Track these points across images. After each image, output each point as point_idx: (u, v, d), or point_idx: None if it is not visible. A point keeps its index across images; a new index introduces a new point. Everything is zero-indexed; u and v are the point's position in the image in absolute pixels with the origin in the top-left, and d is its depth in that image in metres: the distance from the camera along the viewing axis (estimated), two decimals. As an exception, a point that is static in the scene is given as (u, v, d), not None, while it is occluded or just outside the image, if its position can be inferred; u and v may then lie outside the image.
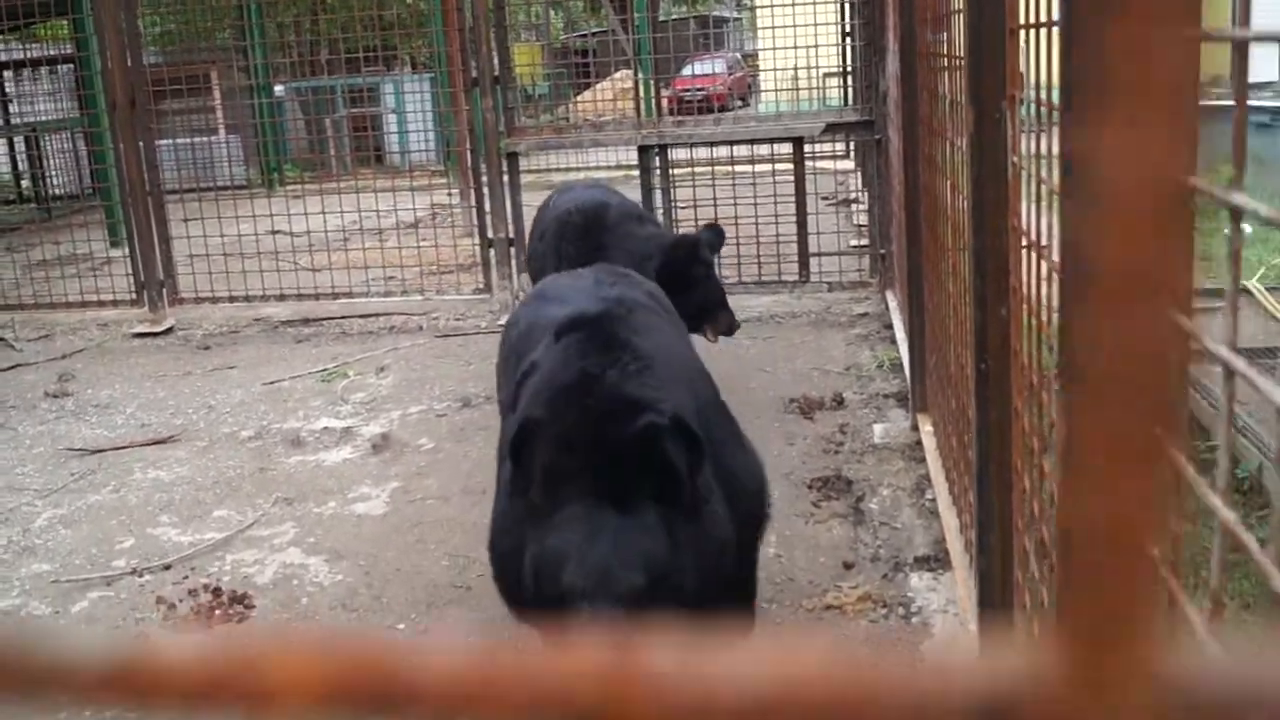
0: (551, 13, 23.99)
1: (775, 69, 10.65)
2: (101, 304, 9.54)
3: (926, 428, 5.52)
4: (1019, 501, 2.83)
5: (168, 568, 4.97)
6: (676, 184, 8.71)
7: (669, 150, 8.61)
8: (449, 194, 12.06)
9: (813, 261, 8.44)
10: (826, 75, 12.34)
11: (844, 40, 11.45)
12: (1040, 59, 2.35)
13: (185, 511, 5.59)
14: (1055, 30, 2.21)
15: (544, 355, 3.32)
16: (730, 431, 3.58)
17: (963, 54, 3.13)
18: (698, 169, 8.87)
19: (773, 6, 10.31)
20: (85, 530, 5.45)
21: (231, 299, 9.25)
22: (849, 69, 11.50)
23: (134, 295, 9.41)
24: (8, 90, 16.14)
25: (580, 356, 3.19)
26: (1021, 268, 2.62)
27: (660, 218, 8.65)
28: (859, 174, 11.62)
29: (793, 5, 9.22)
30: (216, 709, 0.25)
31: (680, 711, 0.33)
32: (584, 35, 24.51)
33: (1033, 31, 2.37)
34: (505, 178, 8.85)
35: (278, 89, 16.61)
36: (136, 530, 5.41)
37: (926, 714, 0.28)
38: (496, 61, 8.65)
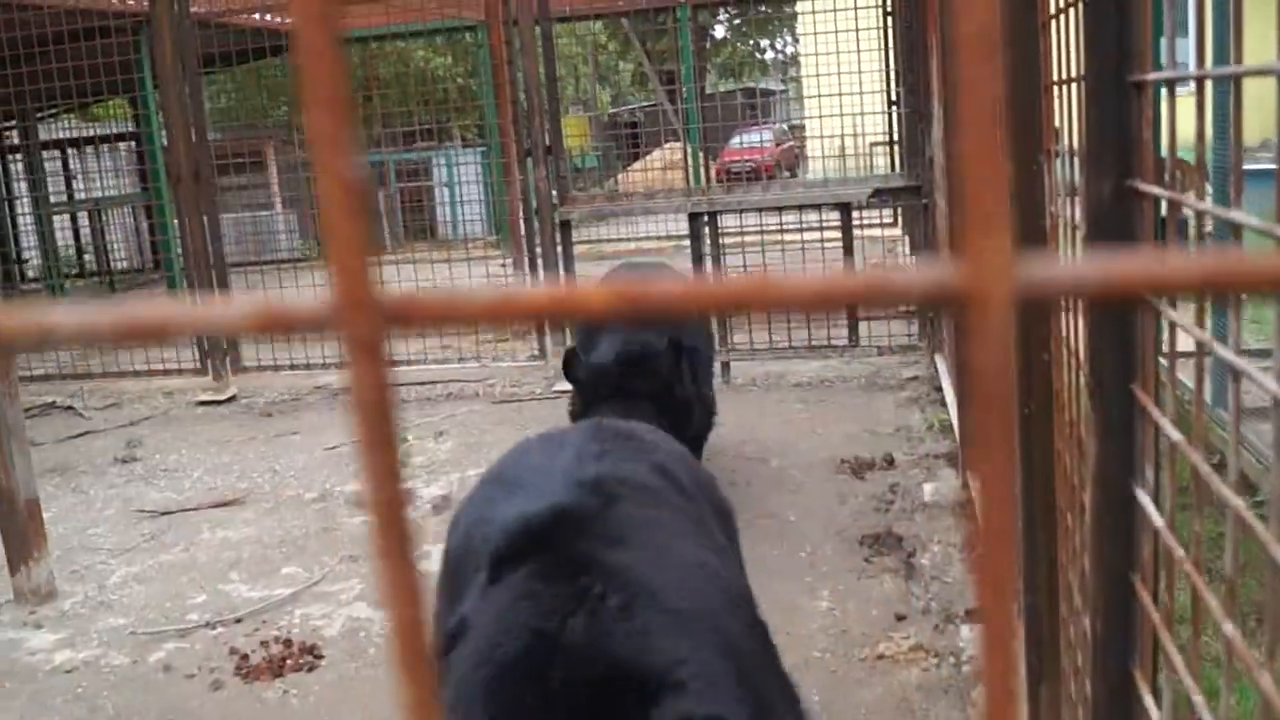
0: (599, 86, 24.42)
1: (822, 136, 10.86)
2: (167, 373, 9.82)
3: (976, 485, 5.61)
4: (1063, 539, 2.93)
5: (239, 620, 5.12)
6: (726, 252, 8.89)
7: (719, 218, 8.80)
8: (502, 264, 12.32)
9: (862, 326, 8.57)
10: (873, 144, 12.55)
11: (890, 108, 11.66)
12: (1072, 113, 2.48)
13: (254, 569, 5.75)
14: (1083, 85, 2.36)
15: (477, 607, 2.15)
16: (780, 688, 2.34)
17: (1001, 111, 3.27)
18: (747, 238, 9.05)
19: (819, 77, 10.54)
20: (158, 587, 5.62)
21: (293, 367, 9.49)
22: (895, 138, 11.69)
23: (198, 364, 9.68)
24: (71, 167, 16.64)
25: (531, 607, 2.04)
26: (1060, 313, 2.75)
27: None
28: (907, 240, 11.78)
29: (838, 75, 9.44)
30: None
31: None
32: (632, 109, 24.92)
33: (1066, 87, 2.51)
34: (559, 246, 9.07)
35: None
36: (208, 586, 5.58)
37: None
38: (548, 132, 8.90)
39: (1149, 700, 1.80)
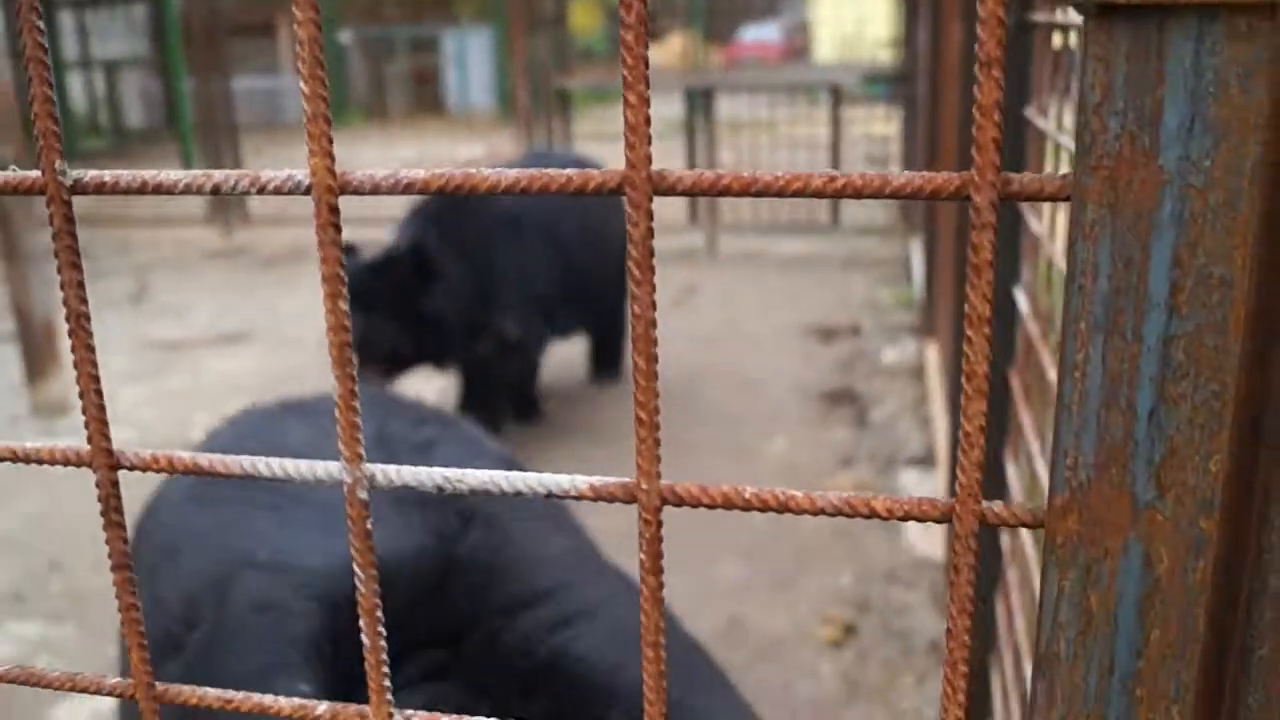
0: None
1: (828, 36, 11.07)
2: (175, 223, 10.18)
3: (931, 352, 6.00)
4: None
5: (239, 436, 5.53)
6: (720, 141, 9.18)
7: (715, 104, 9.08)
8: (505, 137, 12.61)
9: (843, 207, 8.90)
10: (877, 42, 12.74)
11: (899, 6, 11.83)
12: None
13: (255, 395, 6.13)
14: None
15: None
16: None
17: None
18: (742, 126, 9.34)
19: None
20: (164, 408, 6.04)
21: (296, 223, 9.86)
22: (898, 36, 11.88)
23: (207, 216, 10.03)
24: (87, 24, 16.81)
25: None
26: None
27: (703, 166, 9.12)
28: (902, 135, 12.02)
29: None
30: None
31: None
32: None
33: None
34: (558, 121, 9.36)
35: (343, 35, 17.20)
36: (210, 409, 5.99)
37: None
38: (554, 4, 9.16)
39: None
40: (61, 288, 0.63)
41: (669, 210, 9.75)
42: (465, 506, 1.63)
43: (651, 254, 0.52)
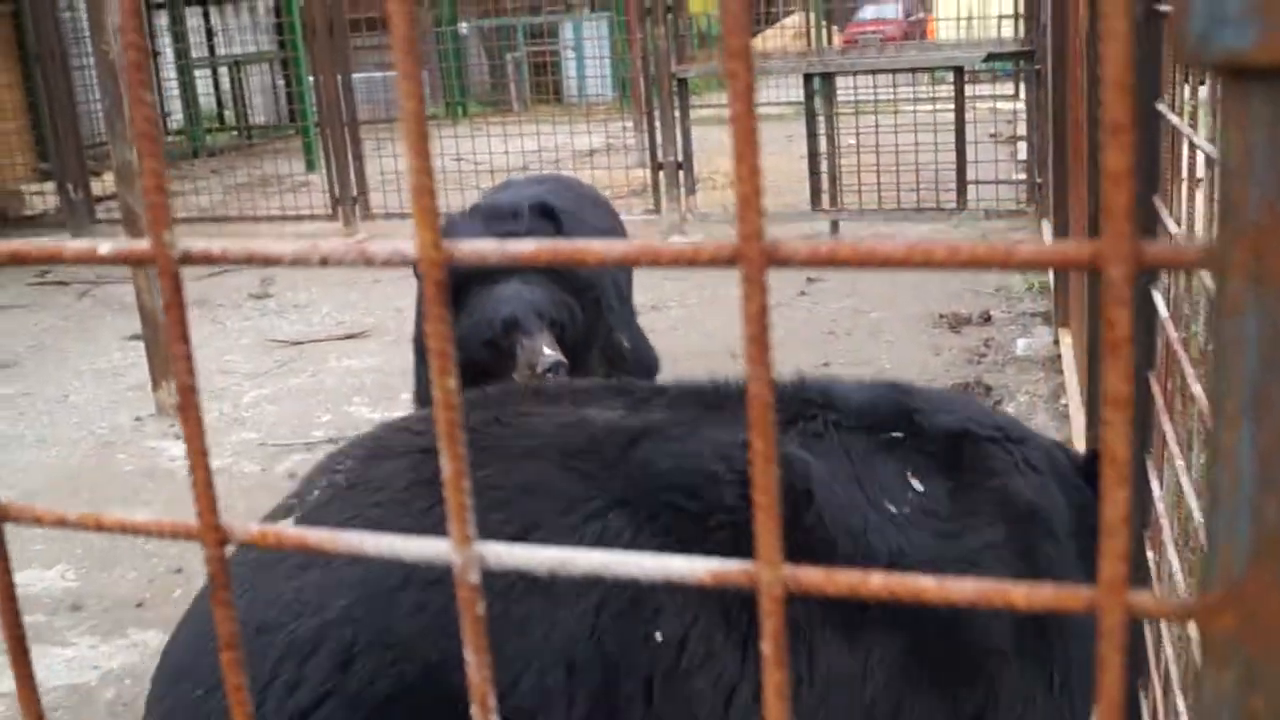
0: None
1: (948, 18, 10.76)
2: (299, 218, 10.30)
3: (1067, 340, 5.75)
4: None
5: (360, 437, 5.54)
6: (841, 120, 8.98)
7: (835, 84, 8.87)
8: (624, 127, 12.53)
9: (971, 191, 8.63)
10: (1001, 17, 12.37)
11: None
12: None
13: (376, 394, 6.17)
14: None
15: None
16: None
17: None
18: (862, 103, 9.11)
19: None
20: (287, 406, 6.07)
21: (417, 217, 9.90)
22: (1020, 12, 11.53)
23: (330, 211, 10.13)
24: (213, 23, 17.17)
25: None
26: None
27: (825, 153, 8.93)
28: (1027, 113, 11.66)
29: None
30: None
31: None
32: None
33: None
34: (676, 107, 9.24)
35: (462, 26, 17.29)
36: (333, 408, 6.01)
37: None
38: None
39: (1156, 485, 1.88)
40: (171, 360, 0.63)
41: (791, 196, 9.57)
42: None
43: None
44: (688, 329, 6.83)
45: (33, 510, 0.66)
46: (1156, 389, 1.85)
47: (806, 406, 2.12)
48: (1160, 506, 1.78)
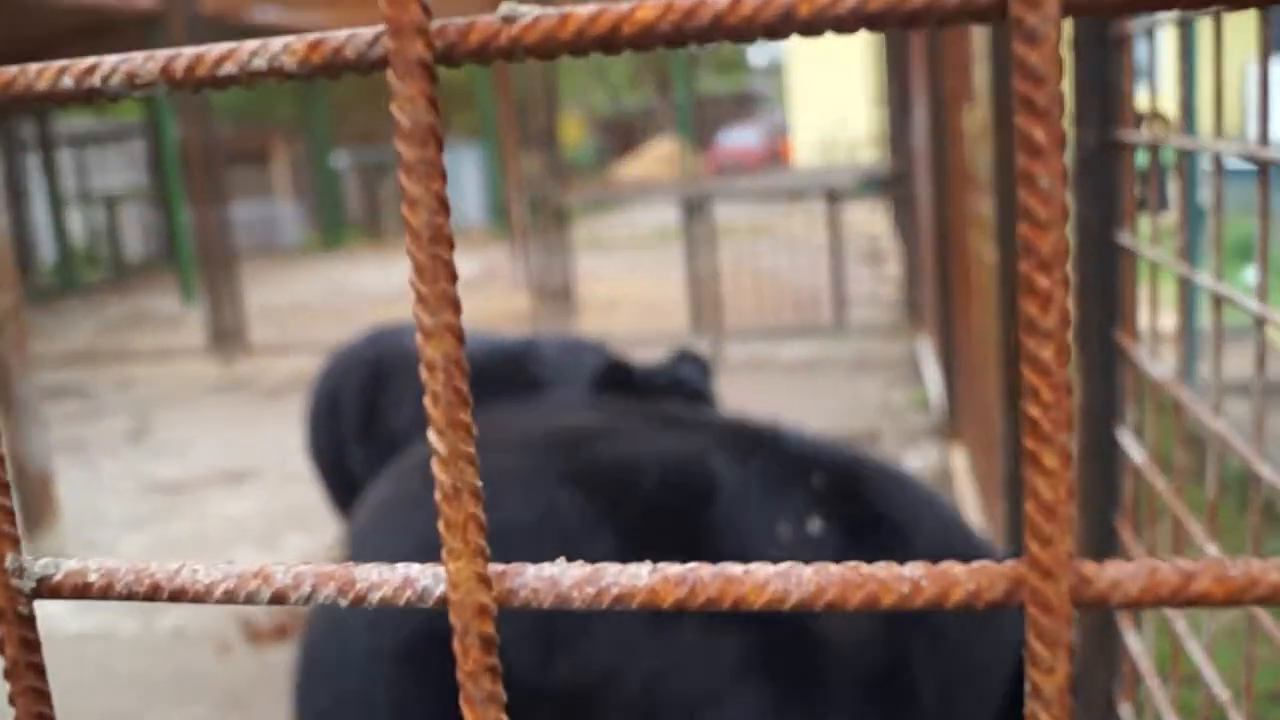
0: (594, 83, 24.71)
1: (807, 139, 11.12)
2: (176, 356, 10.10)
3: (958, 457, 5.86)
4: None
5: (248, 584, 5.37)
6: (719, 240, 9.16)
7: (712, 208, 9.06)
8: (499, 251, 12.61)
9: (848, 311, 8.83)
10: (860, 142, 12.83)
11: (879, 107, 11.94)
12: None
13: (261, 540, 6.01)
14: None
15: None
16: None
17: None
18: (737, 229, 9.32)
19: (806, 75, 10.81)
20: (168, 557, 5.88)
21: (299, 350, 9.78)
22: (880, 133, 11.96)
23: (207, 348, 9.96)
24: (86, 159, 16.94)
25: None
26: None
27: (704, 274, 9.08)
28: (895, 233, 12.05)
29: (824, 63, 9.69)
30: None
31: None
32: (624, 110, 25.13)
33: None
34: (555, 234, 9.34)
35: (337, 158, 17.33)
36: (216, 557, 5.83)
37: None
38: (547, 122, 9.19)
39: (1130, 637, 1.85)
40: None
41: (672, 317, 9.68)
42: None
43: (1069, 714, 0.35)
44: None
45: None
46: (1126, 536, 1.85)
47: (757, 436, 2.35)
48: (1141, 664, 1.77)
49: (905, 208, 8.72)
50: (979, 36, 3.63)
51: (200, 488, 6.90)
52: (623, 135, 19.88)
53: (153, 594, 0.44)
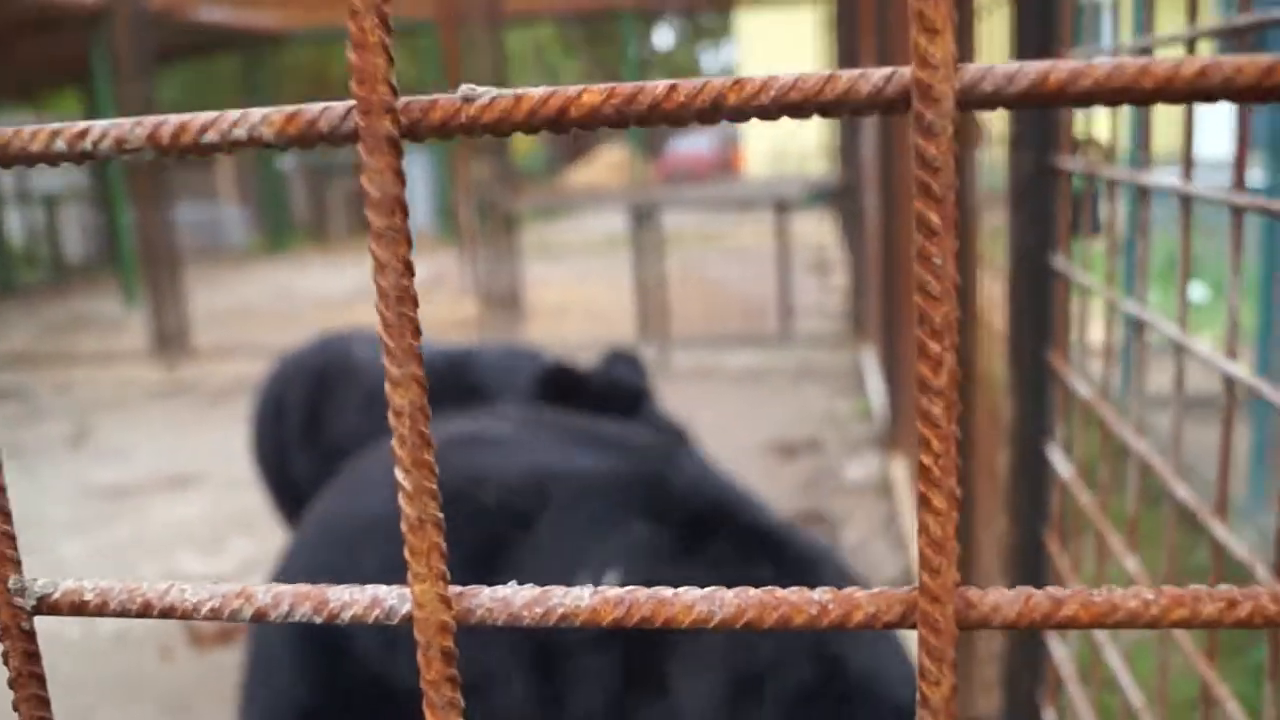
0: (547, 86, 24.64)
1: (759, 143, 11.20)
2: (118, 359, 10.00)
3: (897, 467, 5.94)
4: (983, 513, 3.11)
5: (190, 591, 5.34)
6: (667, 248, 9.21)
7: (660, 216, 9.11)
8: (447, 257, 12.58)
9: (793, 321, 8.91)
10: (811, 153, 12.93)
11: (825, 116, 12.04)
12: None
13: (204, 544, 5.97)
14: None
15: None
16: None
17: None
18: (686, 237, 9.37)
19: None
20: (109, 561, 5.82)
21: (244, 355, 9.71)
22: (830, 145, 12.07)
23: (150, 351, 9.87)
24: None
25: None
26: (981, 293, 2.93)
27: (651, 281, 9.11)
28: (843, 244, 12.15)
29: (778, 70, 9.79)
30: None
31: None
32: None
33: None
34: (504, 240, 9.35)
35: (284, 161, 17.22)
36: (159, 561, 5.79)
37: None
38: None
39: (1055, 643, 1.89)
40: None
41: (619, 324, 9.72)
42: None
43: None
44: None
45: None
46: (1053, 549, 1.90)
47: (649, 473, 2.29)
48: (1064, 669, 1.82)
49: (853, 219, 8.81)
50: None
51: (143, 492, 6.84)
52: (573, 142, 19.90)
53: (145, 611, 0.47)
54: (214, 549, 5.85)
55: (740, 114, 0.36)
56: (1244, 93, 0.34)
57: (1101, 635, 1.63)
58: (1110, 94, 0.35)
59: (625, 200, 9.40)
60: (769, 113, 0.37)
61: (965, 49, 3.08)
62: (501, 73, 9.43)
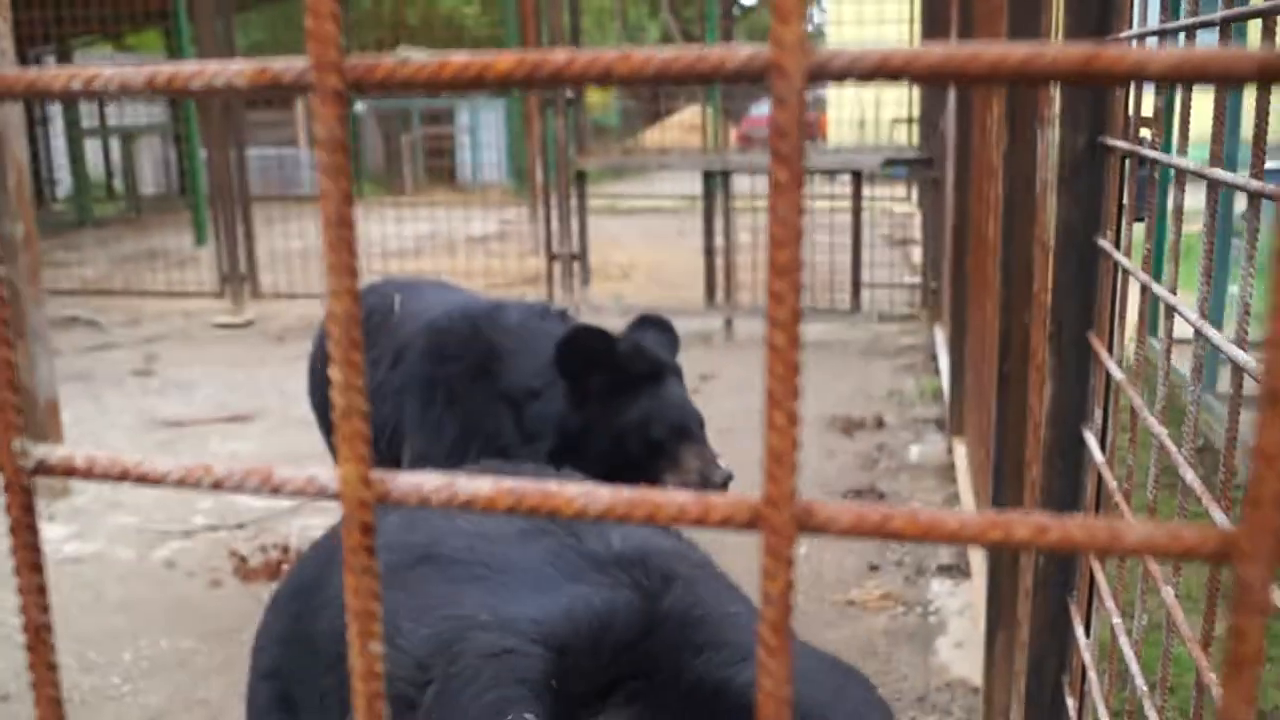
0: (624, 45, 24.54)
1: (842, 112, 11.02)
2: (187, 295, 10.08)
3: (960, 449, 5.82)
4: (1030, 496, 3.06)
5: (241, 527, 5.37)
6: (738, 214, 9.09)
7: (731, 181, 8.98)
8: (518, 214, 12.54)
9: (865, 294, 8.76)
10: (894, 120, 12.71)
11: (910, 84, 11.83)
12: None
13: (260, 481, 5.99)
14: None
15: None
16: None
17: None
18: (758, 202, 9.24)
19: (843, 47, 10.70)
20: (167, 491, 5.86)
21: (308, 296, 9.74)
22: (914, 115, 11.85)
23: (218, 289, 9.93)
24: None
25: None
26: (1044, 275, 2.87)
27: (721, 247, 9.00)
28: (923, 218, 11.95)
29: (867, 30, 9.60)
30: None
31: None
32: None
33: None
34: (574, 197, 9.26)
35: (358, 106, 17.24)
36: (212, 496, 5.82)
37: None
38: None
39: (1080, 632, 1.91)
40: (19, 593, 0.53)
41: (685, 288, 9.63)
42: (667, 568, 1.83)
43: (789, 612, 0.44)
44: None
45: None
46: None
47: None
48: (1087, 656, 1.78)
49: (933, 193, 8.63)
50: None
51: (202, 425, 6.88)
52: (653, 101, 19.77)
53: (122, 476, 0.52)
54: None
55: (629, 79, 0.43)
56: (1067, 77, 0.39)
57: (1118, 628, 1.62)
58: (944, 76, 0.40)
59: (696, 163, 9.27)
60: (653, 80, 0.43)
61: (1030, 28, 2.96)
62: (577, 24, 9.31)
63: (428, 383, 3.84)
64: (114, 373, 8.14)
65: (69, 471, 0.53)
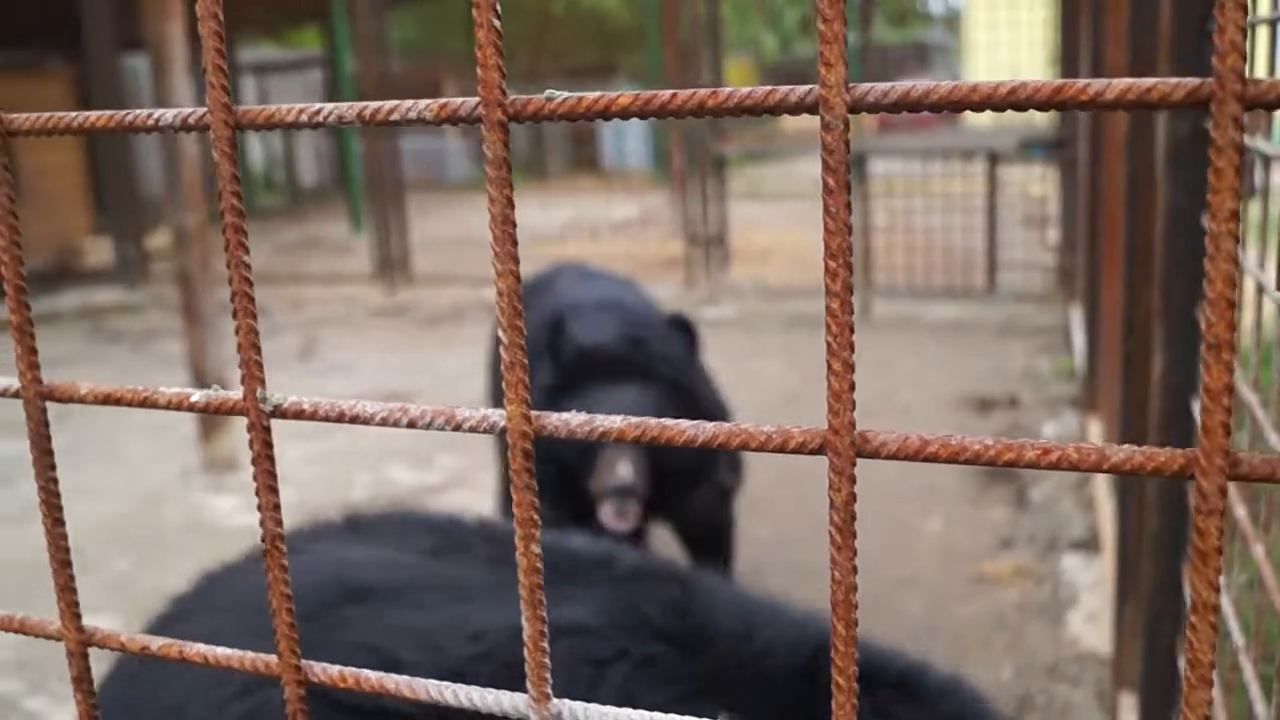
0: (764, 31, 24.54)
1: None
2: (344, 280, 10.57)
3: (1093, 427, 5.85)
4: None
5: (396, 500, 5.70)
6: (874, 199, 9.17)
7: (866, 164, 9.07)
8: (659, 197, 12.78)
9: (1001, 275, 8.78)
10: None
11: (1053, 66, 11.69)
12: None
13: (413, 457, 6.34)
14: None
15: None
16: None
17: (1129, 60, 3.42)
18: (896, 185, 9.30)
19: (984, 27, 10.66)
20: (327, 467, 6.25)
21: (458, 280, 10.14)
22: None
23: (373, 275, 10.40)
24: (265, 88, 17.61)
25: None
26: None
27: (859, 229, 9.09)
28: (1060, 198, 11.82)
29: (1000, 29, 9.57)
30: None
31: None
32: (794, 59, 24.89)
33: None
34: (714, 182, 9.47)
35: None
36: (371, 471, 6.18)
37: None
38: (710, 69, 9.29)
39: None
40: (259, 510, 0.68)
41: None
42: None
43: (854, 519, 0.55)
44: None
45: (117, 637, 0.75)
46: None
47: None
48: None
49: (1069, 173, 8.61)
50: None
51: (360, 407, 7.28)
52: (793, 83, 19.78)
53: (339, 418, 0.65)
54: (422, 464, 6.20)
55: (718, 113, 0.54)
56: (1041, 105, 0.49)
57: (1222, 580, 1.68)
58: (952, 104, 0.49)
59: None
60: (736, 113, 0.54)
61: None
62: (717, 12, 9.49)
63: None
64: (279, 355, 8.62)
65: (299, 414, 0.65)
